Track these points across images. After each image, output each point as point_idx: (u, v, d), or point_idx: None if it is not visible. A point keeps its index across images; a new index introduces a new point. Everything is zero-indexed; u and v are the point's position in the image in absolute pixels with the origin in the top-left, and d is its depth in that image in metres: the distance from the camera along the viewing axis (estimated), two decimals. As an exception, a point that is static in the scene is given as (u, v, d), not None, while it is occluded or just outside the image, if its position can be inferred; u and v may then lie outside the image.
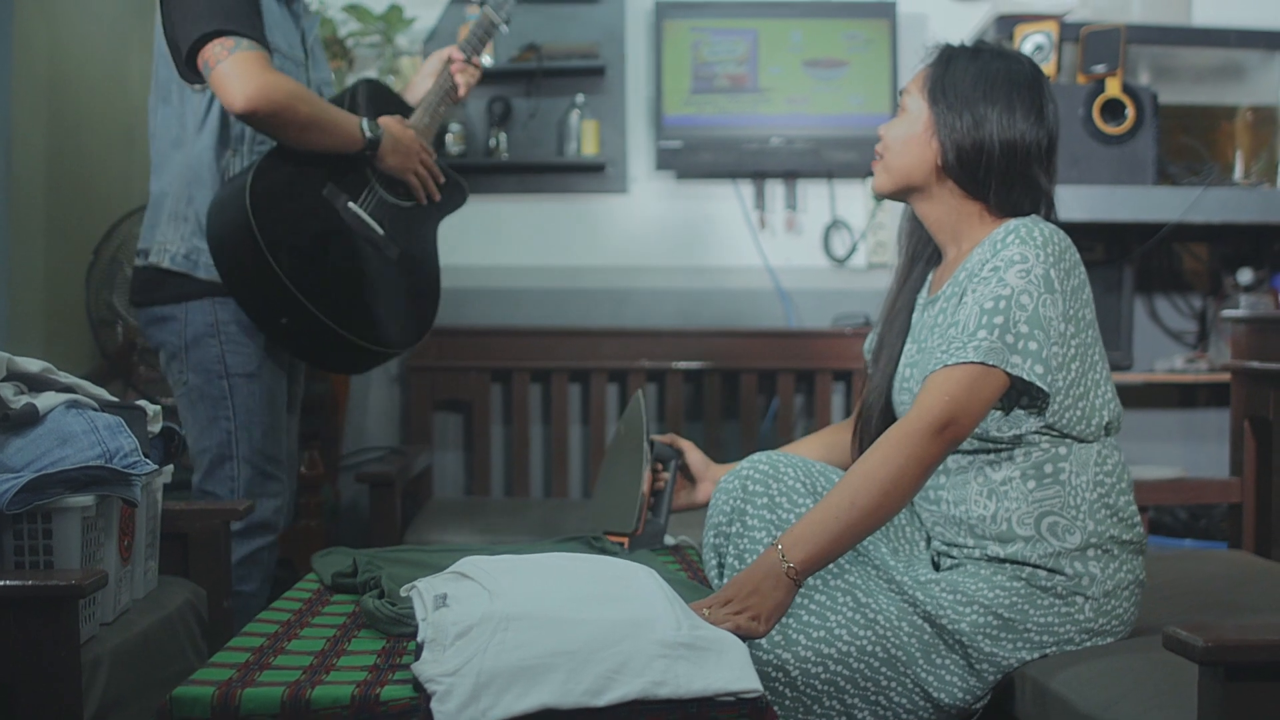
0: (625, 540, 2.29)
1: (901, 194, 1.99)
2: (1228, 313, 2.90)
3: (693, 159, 3.83)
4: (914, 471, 1.71)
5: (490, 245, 3.91)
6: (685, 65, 3.84)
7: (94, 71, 4.77)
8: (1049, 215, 1.93)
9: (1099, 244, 3.58)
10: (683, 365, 3.79)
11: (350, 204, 2.61)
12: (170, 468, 2.25)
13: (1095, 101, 3.32)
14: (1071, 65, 3.47)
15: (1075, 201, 3.29)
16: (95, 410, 2.01)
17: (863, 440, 2.07)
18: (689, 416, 3.84)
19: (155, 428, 2.20)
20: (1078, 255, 1.86)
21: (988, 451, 1.88)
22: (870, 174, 3.75)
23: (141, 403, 2.17)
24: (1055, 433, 1.85)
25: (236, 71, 2.36)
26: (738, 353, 3.79)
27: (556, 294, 3.84)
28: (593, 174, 3.87)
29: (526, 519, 3.31)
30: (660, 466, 2.35)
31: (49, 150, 3.58)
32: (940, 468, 1.92)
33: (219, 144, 2.52)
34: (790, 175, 3.91)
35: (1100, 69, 3.37)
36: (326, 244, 2.57)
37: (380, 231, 2.64)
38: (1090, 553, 1.84)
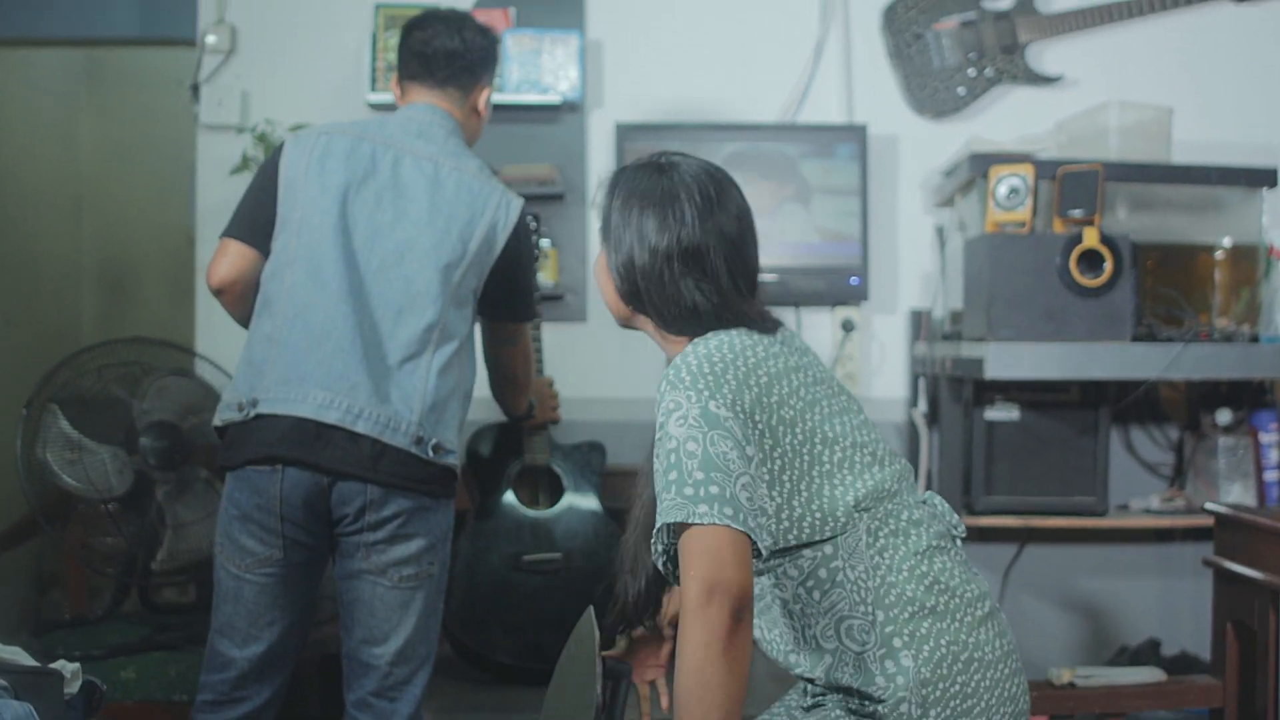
0: (578, 773, 2.17)
1: (625, 323, 1.99)
2: (1211, 506, 2.80)
3: (655, 288, 3.69)
4: (711, 656, 1.61)
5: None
6: (648, 190, 3.70)
7: (41, 140, 4.64)
8: (721, 318, 1.85)
9: (1075, 385, 3.46)
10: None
11: (525, 557, 3.26)
12: (93, 720, 2.12)
13: (1072, 252, 3.20)
14: (1048, 205, 3.34)
15: (1052, 359, 3.17)
16: (6, 694, 1.88)
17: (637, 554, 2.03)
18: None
19: (74, 687, 2.08)
20: (756, 355, 1.78)
21: (761, 575, 1.81)
22: (839, 302, 3.70)
23: (59, 664, 2.05)
24: (803, 545, 1.77)
25: (528, 357, 2.87)
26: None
27: (512, 427, 3.69)
28: (550, 302, 3.73)
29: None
30: (611, 686, 2.23)
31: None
32: None
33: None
34: (756, 303, 3.78)
35: (1077, 214, 3.24)
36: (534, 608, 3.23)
37: (558, 556, 3.28)
38: (896, 642, 1.74)
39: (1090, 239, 3.20)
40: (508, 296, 2.69)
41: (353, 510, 2.48)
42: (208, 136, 3.77)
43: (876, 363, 3.82)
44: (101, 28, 4.24)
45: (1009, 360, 3.17)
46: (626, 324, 1.98)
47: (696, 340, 1.80)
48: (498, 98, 3.68)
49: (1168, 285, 3.49)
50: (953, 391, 3.55)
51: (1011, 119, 3.81)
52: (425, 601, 2.57)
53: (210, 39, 3.74)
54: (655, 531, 1.70)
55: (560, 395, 3.56)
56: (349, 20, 3.77)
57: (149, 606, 3.47)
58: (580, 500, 3.36)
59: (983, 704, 1.75)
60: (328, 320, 2.49)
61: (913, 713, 1.72)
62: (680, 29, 3.82)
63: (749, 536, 1.65)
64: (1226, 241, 3.50)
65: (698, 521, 1.63)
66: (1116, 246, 3.20)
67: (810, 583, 1.77)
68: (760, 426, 1.73)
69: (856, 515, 1.77)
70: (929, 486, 3.68)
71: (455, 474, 2.57)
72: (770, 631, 1.86)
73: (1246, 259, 3.51)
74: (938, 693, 1.72)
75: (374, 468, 2.45)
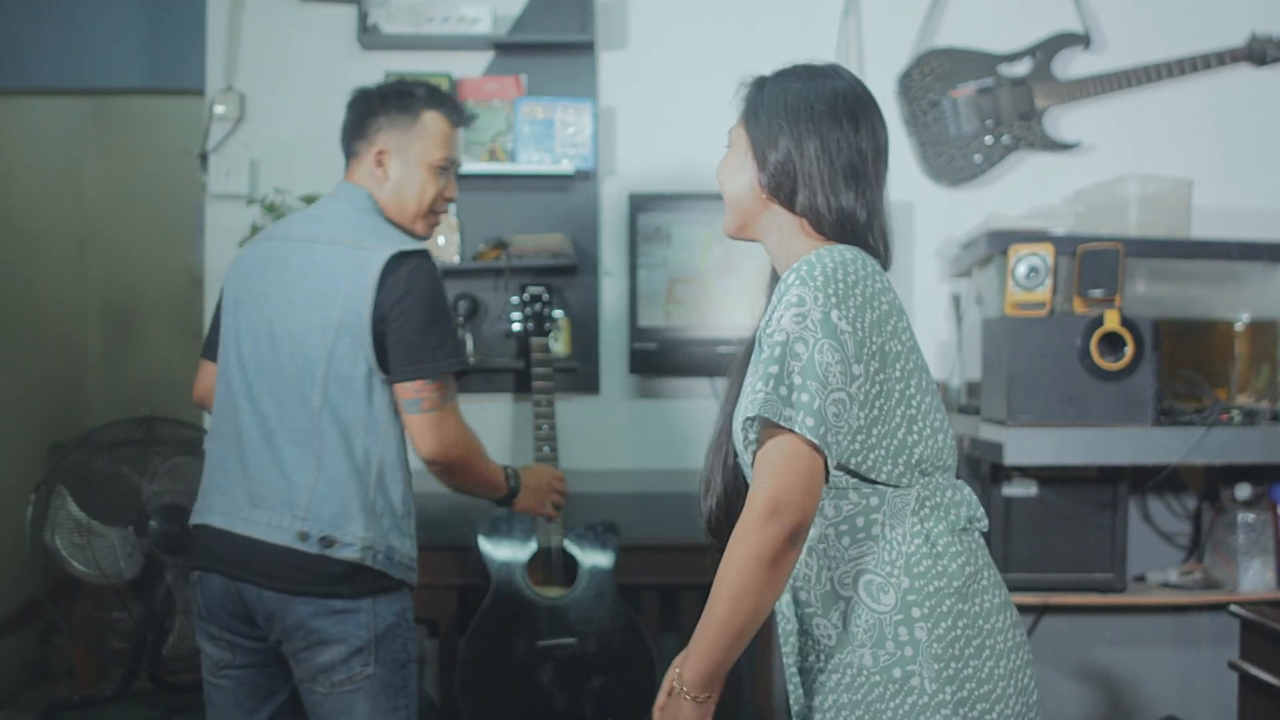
0: None
1: (745, 228, 1.94)
2: (1234, 608, 2.77)
3: (668, 360, 3.66)
4: (756, 568, 1.64)
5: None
6: (661, 260, 3.66)
7: (46, 182, 4.63)
8: (871, 231, 1.85)
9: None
10: (657, 580, 3.62)
11: (539, 643, 3.21)
12: None
13: (1093, 335, 3.16)
14: (1067, 281, 3.30)
15: (1073, 445, 3.14)
16: None
17: (710, 471, 1.98)
18: (664, 627, 3.67)
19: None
20: (882, 282, 1.79)
21: None
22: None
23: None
24: (858, 477, 1.76)
25: (440, 426, 2.45)
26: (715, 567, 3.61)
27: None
28: (563, 374, 3.69)
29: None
30: None
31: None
32: None
33: (399, 443, 2.49)
34: (771, 373, 3.74)
35: (1098, 293, 3.21)
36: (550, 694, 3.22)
37: (573, 641, 3.24)
38: (915, 612, 1.74)
39: (1111, 321, 3.16)
40: (391, 353, 2.44)
41: (261, 618, 2.43)
42: (216, 206, 3.74)
43: (892, 433, 3.79)
44: (107, 79, 4.21)
45: (1029, 446, 3.14)
46: (743, 228, 1.94)
47: (831, 247, 1.80)
48: (511, 168, 3.65)
49: (1187, 358, 3.45)
50: (970, 467, 3.51)
51: (1029, 186, 3.77)
52: (371, 703, 2.44)
53: (219, 109, 3.70)
54: (746, 420, 1.70)
55: (571, 466, 3.53)
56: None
57: (159, 685, 3.45)
58: (595, 583, 3.32)
59: (997, 690, 1.75)
60: (230, 425, 2.49)
61: (926, 687, 1.72)
62: (693, 96, 3.77)
63: (824, 456, 1.67)
64: (1245, 316, 3.46)
65: (783, 424, 1.65)
66: (1137, 329, 3.17)
67: (844, 527, 1.77)
68: (873, 348, 1.74)
69: (914, 475, 1.78)
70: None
71: (368, 568, 2.41)
72: None
73: (1267, 333, 3.47)
74: (950, 671, 1.73)
75: (264, 572, 2.39)
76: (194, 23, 3.88)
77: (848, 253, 1.78)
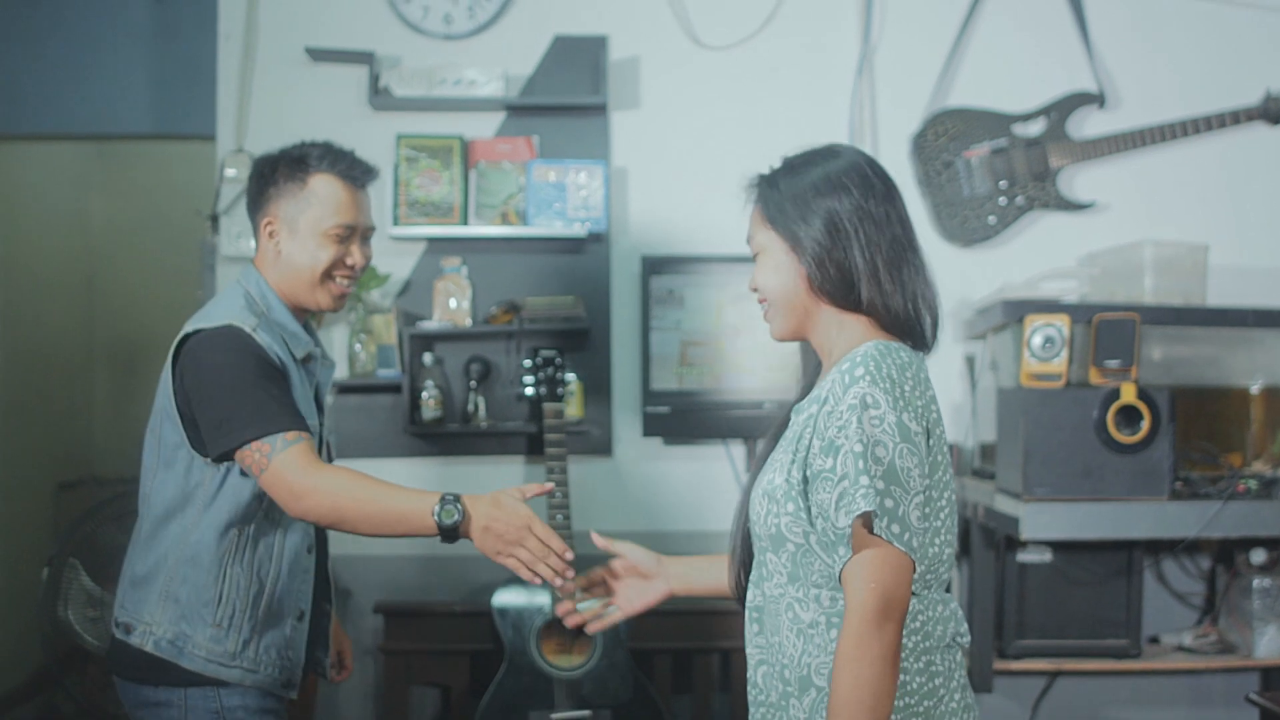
0: None
1: (796, 329, 1.86)
2: (1253, 696, 2.75)
3: (681, 423, 3.65)
4: (885, 671, 1.64)
5: (468, 511, 3.71)
6: (674, 323, 3.65)
7: (53, 221, 4.62)
8: (924, 312, 1.83)
9: (1108, 528, 3.41)
10: (673, 645, 3.61)
11: (553, 715, 3.21)
12: None
13: (1110, 408, 3.14)
14: (1083, 348, 3.28)
15: (1089, 519, 3.13)
16: None
17: (733, 538, 1.96)
18: (677, 690, 3.66)
19: None
20: (932, 390, 1.77)
21: (796, 584, 1.77)
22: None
23: None
24: None
25: (277, 487, 2.18)
26: (731, 630, 3.60)
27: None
28: (576, 436, 3.67)
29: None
30: None
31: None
32: (759, 587, 1.83)
33: (223, 528, 2.27)
34: (784, 435, 3.73)
35: (1114, 364, 3.19)
36: None
37: (588, 713, 3.24)
38: None
39: (1128, 394, 3.15)
40: (204, 434, 2.28)
41: None
42: (227, 269, 3.72)
43: (905, 494, 3.77)
44: (115, 124, 4.21)
45: (1045, 521, 3.13)
46: (797, 330, 1.85)
47: (889, 344, 1.75)
48: (523, 231, 3.64)
49: (1202, 423, 3.44)
50: (985, 536, 3.50)
51: (1043, 246, 3.75)
52: None
53: (229, 171, 3.68)
54: (850, 517, 1.67)
55: (584, 529, 3.49)
56: (370, 151, 3.64)
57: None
58: (609, 652, 3.31)
59: None
60: None
61: None
62: (707, 157, 3.76)
63: (912, 559, 1.68)
64: (1260, 381, 3.45)
65: (874, 531, 1.65)
66: (1154, 402, 3.15)
67: (836, 620, 1.73)
68: (930, 454, 1.73)
69: (914, 586, 1.74)
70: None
71: (157, 659, 2.28)
72: (773, 637, 1.81)
73: (1281, 401, 3.46)
74: None
75: (110, 656, 2.37)
76: (202, 68, 3.88)
77: (903, 354, 1.74)
